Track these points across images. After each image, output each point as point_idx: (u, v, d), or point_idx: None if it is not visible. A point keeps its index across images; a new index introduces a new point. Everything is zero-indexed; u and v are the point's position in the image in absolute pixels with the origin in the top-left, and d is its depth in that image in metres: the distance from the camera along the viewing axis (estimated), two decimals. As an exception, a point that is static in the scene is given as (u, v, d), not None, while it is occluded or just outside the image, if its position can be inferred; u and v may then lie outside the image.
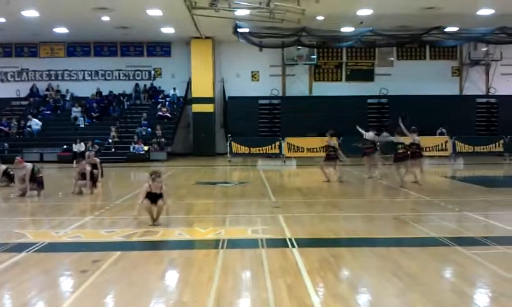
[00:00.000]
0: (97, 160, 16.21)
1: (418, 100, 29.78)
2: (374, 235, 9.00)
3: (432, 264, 6.95)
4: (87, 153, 18.02)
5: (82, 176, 14.11)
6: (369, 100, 31.47)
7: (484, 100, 32.15)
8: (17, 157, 14.79)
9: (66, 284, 6.33)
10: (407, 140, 15.75)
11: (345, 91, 31.47)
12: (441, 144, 27.24)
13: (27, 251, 7.65)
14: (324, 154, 17.53)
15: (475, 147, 27.31)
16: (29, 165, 13.90)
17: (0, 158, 17.94)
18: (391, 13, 23.28)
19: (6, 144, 27.49)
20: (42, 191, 13.86)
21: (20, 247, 7.84)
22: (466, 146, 27.18)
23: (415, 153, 15.67)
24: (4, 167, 16.19)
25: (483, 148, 27.30)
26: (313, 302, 5.43)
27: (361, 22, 25.14)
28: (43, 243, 8.20)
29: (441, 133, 28.27)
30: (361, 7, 23.13)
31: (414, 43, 29.17)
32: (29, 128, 28.83)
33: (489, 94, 32.41)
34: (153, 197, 9.51)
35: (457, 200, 12.52)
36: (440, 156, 26.73)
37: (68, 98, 31.63)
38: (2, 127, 29.09)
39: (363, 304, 5.53)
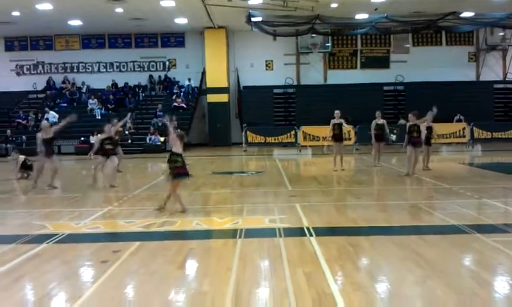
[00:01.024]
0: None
1: (434, 86, 29.50)
2: (393, 223, 8.96)
3: (452, 252, 6.90)
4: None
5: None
6: (385, 88, 31.23)
7: (501, 86, 31.75)
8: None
9: (87, 275, 6.40)
10: (421, 125, 15.42)
11: (360, 78, 31.27)
12: (459, 130, 27.00)
13: (48, 242, 7.73)
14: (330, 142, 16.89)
15: (493, 133, 27.03)
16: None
17: (18, 150, 18.06)
18: (406, -2, 23.03)
19: (24, 137, 27.80)
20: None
21: (40, 239, 7.93)
22: (484, 132, 26.91)
23: (428, 138, 15.59)
24: (22, 158, 16.32)
25: (501, 134, 27.00)
26: (332, 290, 5.42)
27: (376, 9, 24.91)
28: (63, 234, 8.29)
29: (459, 120, 28.01)
30: (376, -7, 22.91)
31: (429, 29, 28.85)
32: (46, 121, 29.05)
33: (507, 79, 31.97)
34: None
35: (476, 187, 12.39)
36: (458, 143, 26.52)
37: (84, 90, 31.86)
38: (20, 120, 29.40)
39: (382, 292, 5.51)
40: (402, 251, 6.90)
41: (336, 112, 16.37)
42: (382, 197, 11.81)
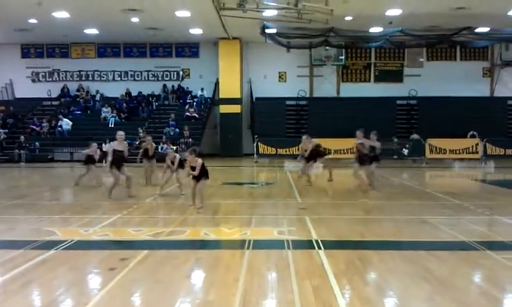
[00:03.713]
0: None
1: (448, 101, 29.37)
2: (402, 238, 8.89)
3: (462, 268, 6.82)
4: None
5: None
6: (398, 102, 31.15)
7: (516, 102, 31.50)
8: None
9: (94, 282, 6.42)
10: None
11: (373, 92, 31.21)
12: (472, 146, 26.82)
13: (56, 249, 7.77)
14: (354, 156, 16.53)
15: (507, 150, 26.83)
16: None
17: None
18: (420, 13, 22.99)
19: (37, 144, 28.09)
20: None
21: (49, 245, 7.98)
22: (497, 148, 26.72)
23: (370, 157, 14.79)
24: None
25: (515, 151, 26.81)
26: (339, 304, 5.38)
27: (391, 22, 24.90)
28: (72, 241, 8.33)
29: (473, 136, 27.82)
30: (390, 7, 22.86)
31: (444, 43, 28.77)
32: (59, 128, 29.36)
33: (522, 96, 31.73)
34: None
35: (488, 204, 12.29)
36: (471, 159, 26.31)
37: (98, 98, 32.12)
38: (34, 127, 29.68)
39: (390, 307, 5.46)
40: (411, 266, 6.84)
41: (358, 132, 15.23)
42: (392, 212, 11.72)
